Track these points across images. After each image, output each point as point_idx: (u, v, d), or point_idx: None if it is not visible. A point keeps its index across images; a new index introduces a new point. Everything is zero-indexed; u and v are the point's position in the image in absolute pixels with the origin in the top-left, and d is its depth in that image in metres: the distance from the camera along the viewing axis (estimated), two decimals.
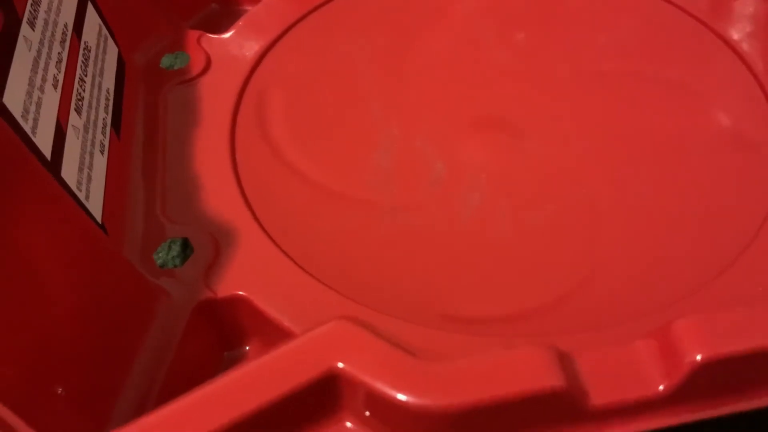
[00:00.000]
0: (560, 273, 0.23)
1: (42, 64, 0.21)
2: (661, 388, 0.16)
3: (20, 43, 0.20)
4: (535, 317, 0.22)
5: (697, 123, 0.27)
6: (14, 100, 0.19)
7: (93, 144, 0.23)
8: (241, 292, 0.22)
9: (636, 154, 0.26)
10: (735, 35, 0.29)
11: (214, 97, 0.28)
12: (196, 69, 0.28)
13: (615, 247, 0.23)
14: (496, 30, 0.30)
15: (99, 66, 0.25)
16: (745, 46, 0.28)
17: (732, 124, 0.26)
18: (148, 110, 0.27)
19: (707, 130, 0.26)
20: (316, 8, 0.31)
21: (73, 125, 0.22)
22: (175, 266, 0.23)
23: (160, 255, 0.23)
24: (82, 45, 0.24)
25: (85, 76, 0.24)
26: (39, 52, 0.21)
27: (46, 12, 0.22)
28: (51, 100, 0.21)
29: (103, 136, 0.24)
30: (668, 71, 0.28)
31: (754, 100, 0.27)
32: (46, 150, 0.20)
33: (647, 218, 0.24)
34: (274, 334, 0.22)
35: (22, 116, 0.19)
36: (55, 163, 0.20)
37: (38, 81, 0.20)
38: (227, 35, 0.30)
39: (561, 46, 0.29)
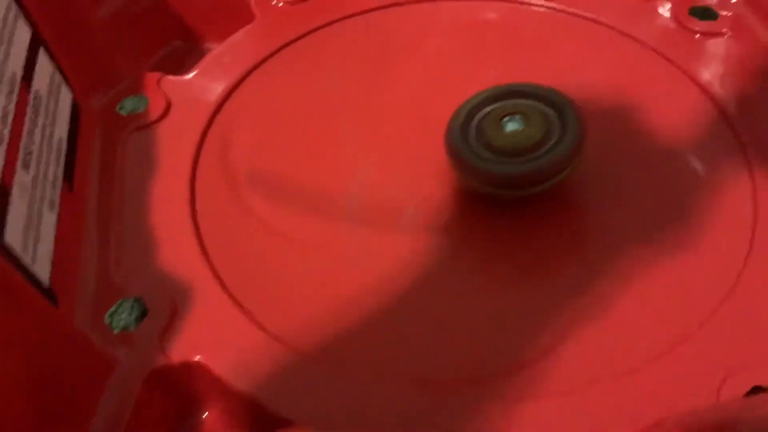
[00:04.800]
0: (533, 330, 0.22)
1: None
2: None
3: None
4: (508, 378, 0.21)
5: (668, 166, 0.26)
6: None
7: (42, 200, 0.22)
8: (197, 357, 0.21)
9: (607, 197, 0.25)
10: (706, 75, 0.28)
11: (174, 143, 0.27)
12: (155, 113, 0.27)
13: (588, 302, 0.23)
14: (466, 70, 0.29)
15: (51, 115, 0.24)
16: (716, 87, 0.28)
17: (704, 168, 0.26)
18: (105, 158, 0.26)
19: (679, 174, 0.26)
20: (282, 47, 0.30)
21: (19, 183, 0.21)
22: (128, 329, 0.21)
23: (113, 317, 0.22)
24: (32, 94, 0.23)
25: (35, 127, 0.23)
26: None
27: None
28: None
29: (53, 191, 0.23)
30: (641, 113, 0.28)
31: (725, 142, 0.27)
32: None
33: (619, 269, 0.23)
34: (234, 401, 0.21)
35: None
36: None
37: None
38: (188, 76, 0.29)
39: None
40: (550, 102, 0.24)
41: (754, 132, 0.26)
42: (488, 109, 0.25)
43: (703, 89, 0.28)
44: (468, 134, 0.24)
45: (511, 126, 0.24)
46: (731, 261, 0.23)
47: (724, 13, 0.30)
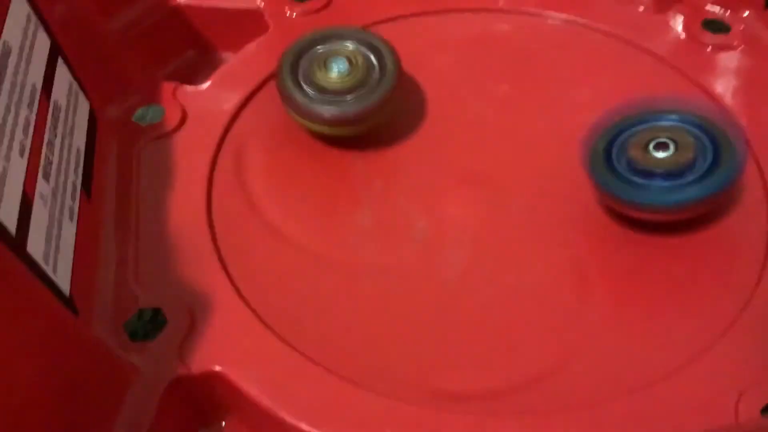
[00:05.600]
0: (549, 342, 0.22)
1: (8, 132, 0.20)
2: None
3: None
4: (524, 392, 0.21)
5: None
6: None
7: (62, 211, 0.22)
8: (217, 368, 0.21)
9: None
10: (719, 89, 0.29)
11: (190, 153, 0.27)
12: (171, 123, 0.27)
13: (604, 315, 0.23)
14: (476, 84, 0.30)
15: (69, 125, 0.24)
16: (728, 100, 0.28)
17: None
18: (122, 168, 0.26)
19: None
20: None
21: (40, 193, 0.21)
22: (147, 338, 0.22)
23: (132, 326, 0.22)
24: (52, 105, 0.23)
25: (54, 138, 0.23)
26: (4, 119, 0.20)
27: (12, 74, 0.21)
28: (17, 169, 0.20)
29: (72, 201, 0.23)
30: None
31: None
32: (11, 225, 0.19)
33: (634, 282, 0.23)
34: (253, 412, 0.21)
35: None
36: (20, 238, 0.19)
37: (3, 150, 0.19)
38: (204, 87, 0.29)
39: (543, 100, 0.29)
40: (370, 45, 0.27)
41: (766, 144, 0.27)
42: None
43: (716, 102, 0.28)
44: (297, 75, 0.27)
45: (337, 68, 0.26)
46: (746, 275, 0.23)
47: (736, 26, 0.30)
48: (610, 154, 0.24)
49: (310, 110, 0.26)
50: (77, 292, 0.21)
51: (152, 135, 0.27)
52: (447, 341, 0.22)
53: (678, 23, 0.31)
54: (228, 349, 0.21)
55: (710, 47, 0.30)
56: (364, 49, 0.27)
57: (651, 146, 0.23)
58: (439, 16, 0.32)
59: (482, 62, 0.31)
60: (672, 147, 0.23)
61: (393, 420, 0.20)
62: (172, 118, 0.28)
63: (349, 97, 0.26)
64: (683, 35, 0.30)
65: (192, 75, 0.32)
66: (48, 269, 0.20)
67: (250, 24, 0.32)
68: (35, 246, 0.20)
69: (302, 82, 0.26)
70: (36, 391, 0.18)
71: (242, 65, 0.30)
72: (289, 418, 0.20)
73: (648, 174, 0.23)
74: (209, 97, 0.29)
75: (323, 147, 0.28)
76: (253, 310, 0.22)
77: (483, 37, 0.32)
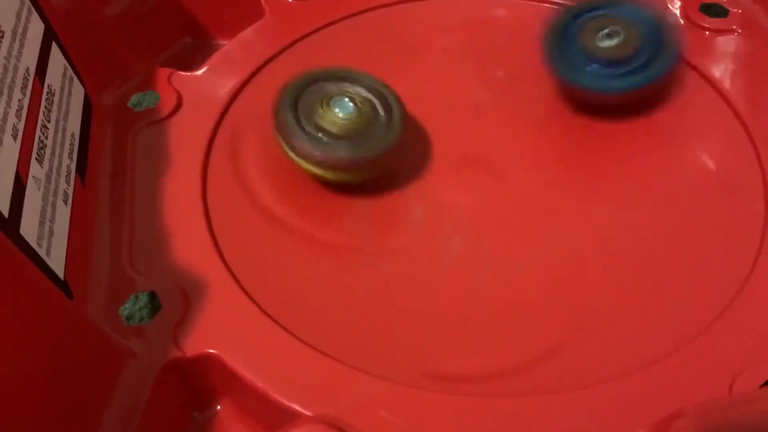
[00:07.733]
0: (545, 325, 0.22)
1: (0, 115, 0.20)
2: None
3: None
4: (521, 374, 0.21)
5: (680, 165, 0.26)
6: None
7: (56, 194, 0.22)
8: (211, 350, 0.21)
9: (619, 197, 0.25)
10: (716, 73, 0.28)
11: (185, 139, 0.27)
12: (166, 109, 0.27)
13: (600, 297, 0.23)
14: (474, 68, 0.29)
15: (63, 110, 0.24)
16: (726, 84, 0.28)
17: (716, 167, 0.26)
18: (116, 153, 0.26)
19: (691, 173, 0.26)
20: (292, 43, 0.30)
21: (34, 176, 0.21)
22: (142, 322, 0.22)
23: (126, 310, 0.22)
24: (46, 89, 0.23)
25: (48, 122, 0.23)
26: None
27: (5, 57, 0.21)
28: (10, 151, 0.20)
29: (66, 185, 0.23)
30: (650, 110, 0.28)
31: (737, 140, 0.27)
32: (4, 207, 0.19)
33: (632, 266, 0.23)
34: (247, 394, 0.21)
35: None
36: (13, 221, 0.19)
37: None
38: (199, 72, 0.29)
39: (542, 84, 0.29)
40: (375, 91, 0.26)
41: (764, 129, 0.26)
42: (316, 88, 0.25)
43: (714, 86, 0.28)
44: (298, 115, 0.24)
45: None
46: (743, 257, 0.23)
47: (734, 10, 0.30)
48: (568, 38, 0.26)
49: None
50: (72, 275, 0.21)
51: (147, 121, 0.27)
52: (443, 324, 0.22)
53: (676, 7, 0.31)
54: (223, 333, 0.21)
55: (708, 31, 0.30)
56: (370, 96, 0.25)
57: (600, 35, 0.26)
58: (440, 0, 0.32)
59: (482, 47, 0.30)
60: (618, 37, 0.25)
61: (388, 402, 0.20)
62: (168, 104, 0.27)
63: (347, 143, 0.24)
64: (681, 19, 0.30)
65: (187, 61, 0.32)
66: (41, 252, 0.20)
67: (245, 10, 0.32)
68: (28, 229, 0.20)
69: (303, 121, 0.24)
70: (30, 374, 0.18)
71: (238, 51, 0.30)
72: (284, 401, 0.20)
73: (593, 60, 0.26)
74: (205, 83, 0.29)
75: None
76: (248, 294, 0.22)
77: (483, 21, 0.31)
